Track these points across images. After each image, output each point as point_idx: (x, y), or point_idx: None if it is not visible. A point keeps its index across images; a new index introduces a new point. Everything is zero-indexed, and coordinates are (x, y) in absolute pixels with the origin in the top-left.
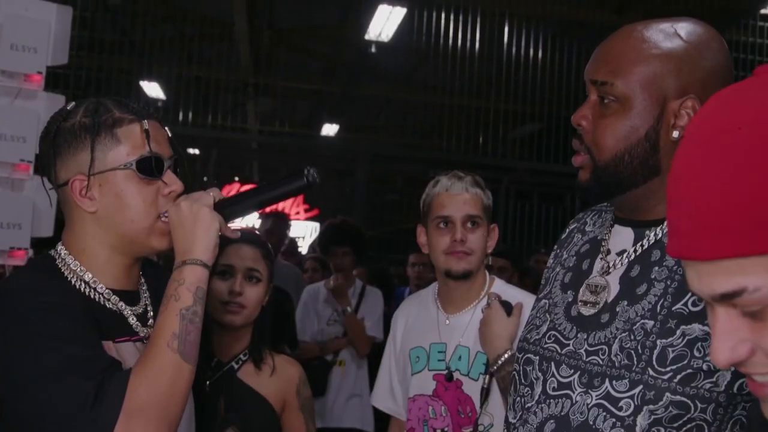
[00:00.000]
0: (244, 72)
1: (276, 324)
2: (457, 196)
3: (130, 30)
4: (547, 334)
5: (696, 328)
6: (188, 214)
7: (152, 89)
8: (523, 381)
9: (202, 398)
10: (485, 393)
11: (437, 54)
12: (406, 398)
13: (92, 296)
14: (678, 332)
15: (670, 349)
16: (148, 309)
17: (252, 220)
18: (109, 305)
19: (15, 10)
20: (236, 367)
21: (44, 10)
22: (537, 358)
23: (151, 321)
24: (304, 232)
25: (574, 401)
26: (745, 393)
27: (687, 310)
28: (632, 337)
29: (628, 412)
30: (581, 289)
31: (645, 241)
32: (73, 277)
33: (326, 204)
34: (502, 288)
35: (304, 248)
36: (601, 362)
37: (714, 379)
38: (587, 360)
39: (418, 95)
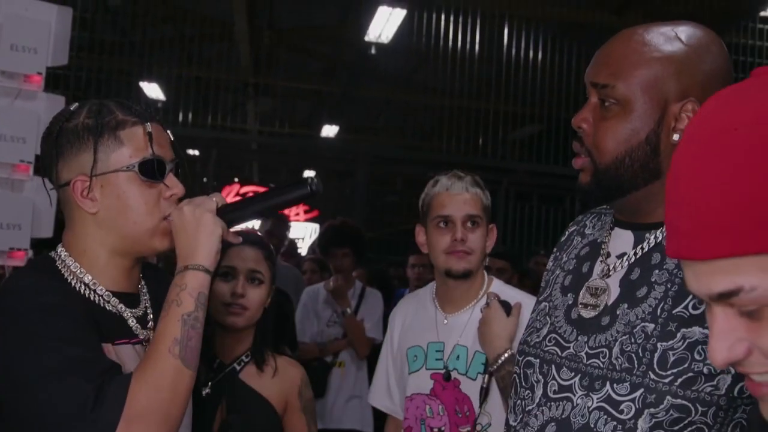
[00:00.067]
0: (243, 72)
1: (276, 325)
2: (457, 196)
3: (130, 31)
4: (548, 337)
5: (696, 332)
6: (191, 219)
7: (152, 90)
8: (523, 384)
9: (204, 400)
10: (484, 392)
11: (437, 55)
12: (403, 397)
13: (92, 298)
14: (678, 335)
15: (670, 353)
16: (148, 312)
17: (252, 221)
18: (108, 307)
19: (15, 10)
20: (238, 368)
21: (44, 10)
22: (537, 361)
23: (151, 324)
24: (304, 233)
25: (575, 404)
26: (745, 396)
27: (687, 314)
28: (633, 340)
29: (629, 416)
30: (581, 292)
31: (645, 244)
32: (73, 278)
33: (326, 205)
34: (500, 288)
35: (303, 249)
36: (601, 365)
37: (715, 383)
38: (588, 363)
39: (418, 97)
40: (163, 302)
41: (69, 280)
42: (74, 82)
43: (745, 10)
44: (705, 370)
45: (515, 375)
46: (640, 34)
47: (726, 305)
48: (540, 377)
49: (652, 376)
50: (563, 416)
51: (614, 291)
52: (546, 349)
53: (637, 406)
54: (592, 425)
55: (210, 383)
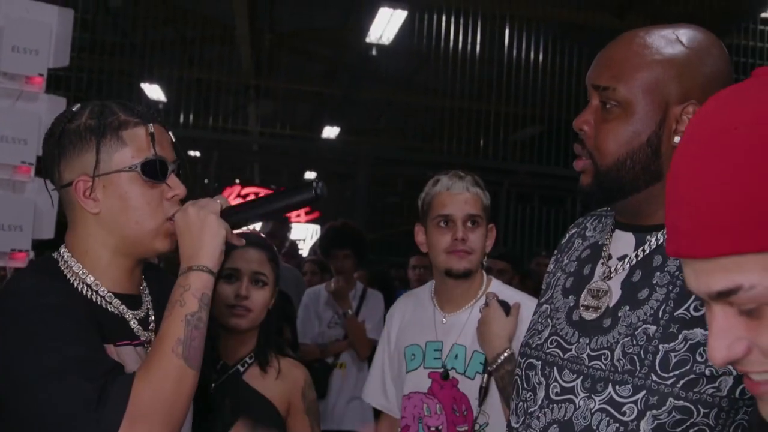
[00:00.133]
0: (245, 74)
1: (277, 326)
2: (458, 195)
3: (131, 32)
4: (549, 339)
5: (698, 333)
6: (195, 220)
7: (153, 91)
8: (525, 386)
9: (208, 401)
10: (483, 392)
11: (438, 57)
12: (399, 396)
13: (94, 299)
14: (680, 337)
15: (672, 354)
16: (150, 313)
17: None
18: (110, 308)
19: (16, 12)
20: (242, 370)
21: (45, 12)
22: (539, 363)
23: (152, 325)
24: (305, 234)
25: (577, 406)
26: (747, 398)
27: (689, 315)
28: (635, 342)
29: (632, 417)
30: (583, 294)
31: (646, 246)
32: (75, 279)
33: (327, 207)
34: (499, 288)
35: (304, 251)
36: (603, 367)
37: (716, 384)
38: (590, 365)
39: (419, 98)
40: (165, 303)
41: (71, 281)
42: (75, 84)
43: (745, 12)
44: (707, 372)
45: (517, 377)
46: (641, 37)
47: (725, 304)
48: (542, 379)
49: (654, 377)
50: (565, 418)
51: (616, 293)
52: (548, 351)
53: (639, 408)
54: (595, 427)
55: (213, 385)
